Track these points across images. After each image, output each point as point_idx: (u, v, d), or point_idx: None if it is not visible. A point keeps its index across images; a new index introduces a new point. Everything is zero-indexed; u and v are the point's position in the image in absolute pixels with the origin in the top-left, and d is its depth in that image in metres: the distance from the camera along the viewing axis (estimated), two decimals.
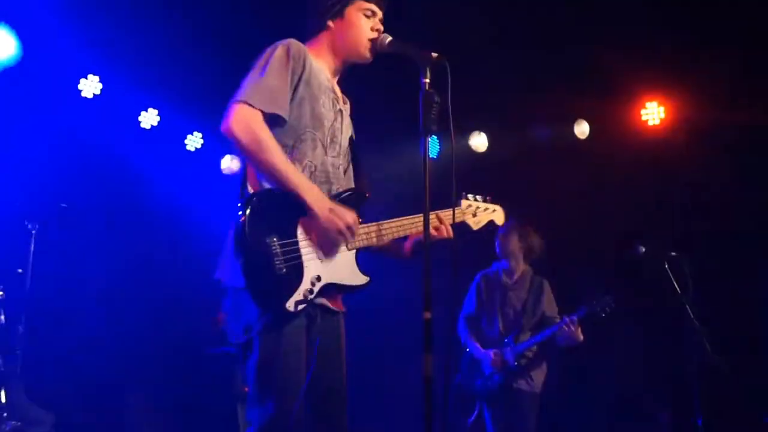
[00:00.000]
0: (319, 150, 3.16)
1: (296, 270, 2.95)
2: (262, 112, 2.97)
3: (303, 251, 2.99)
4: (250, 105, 2.95)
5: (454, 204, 3.29)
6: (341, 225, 3.00)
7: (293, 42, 3.14)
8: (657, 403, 7.22)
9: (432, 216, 3.27)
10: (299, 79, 3.10)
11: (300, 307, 2.92)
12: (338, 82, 3.41)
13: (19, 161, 6.56)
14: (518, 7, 6.68)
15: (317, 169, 3.14)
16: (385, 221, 3.26)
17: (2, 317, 5.58)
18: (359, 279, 3.16)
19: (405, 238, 3.36)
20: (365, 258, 3.21)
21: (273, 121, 3.02)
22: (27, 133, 6.66)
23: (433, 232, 3.25)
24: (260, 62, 3.08)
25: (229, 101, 3.01)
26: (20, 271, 5.81)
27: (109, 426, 7.00)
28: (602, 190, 7.45)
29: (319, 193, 3.02)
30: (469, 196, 3.57)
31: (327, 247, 3.06)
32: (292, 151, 3.09)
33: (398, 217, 3.31)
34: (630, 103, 7.75)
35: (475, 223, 3.57)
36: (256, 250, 2.86)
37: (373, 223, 3.24)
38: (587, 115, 7.89)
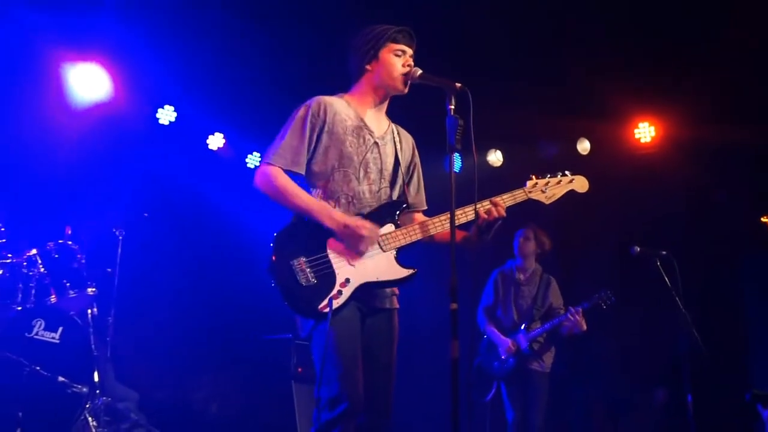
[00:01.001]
0: (353, 182, 3.26)
1: (328, 278, 3.08)
2: (282, 168, 3.19)
3: (333, 261, 3.11)
4: (271, 164, 3.20)
5: (475, 204, 3.25)
6: (359, 231, 3.09)
7: (314, 101, 3.30)
8: (653, 382, 7.15)
9: (486, 202, 3.24)
10: (321, 131, 3.25)
11: (326, 309, 3.01)
12: (384, 112, 3.47)
13: (109, 179, 6.64)
14: (528, 38, 6.65)
15: (354, 198, 3.25)
16: (429, 219, 3.29)
17: (95, 309, 5.61)
18: (400, 273, 3.19)
19: (465, 229, 3.31)
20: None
21: (295, 173, 3.23)
22: (115, 156, 6.74)
23: (484, 215, 3.21)
24: (286, 123, 3.28)
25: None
26: (109, 270, 5.87)
27: (182, 402, 7.04)
28: (602, 200, 7.38)
29: (333, 214, 3.14)
30: (534, 177, 3.42)
31: (358, 253, 3.14)
32: (324, 189, 3.25)
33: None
34: (624, 123, 7.70)
35: (547, 198, 3.41)
36: (282, 273, 3.06)
37: (416, 223, 3.29)
38: (588, 134, 7.84)
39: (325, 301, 3.02)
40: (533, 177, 3.43)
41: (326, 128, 3.25)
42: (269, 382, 6.52)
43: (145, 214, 6.07)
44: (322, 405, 2.99)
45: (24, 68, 6.23)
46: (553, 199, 3.42)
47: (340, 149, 3.25)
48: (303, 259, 3.08)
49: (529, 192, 3.40)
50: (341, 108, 3.32)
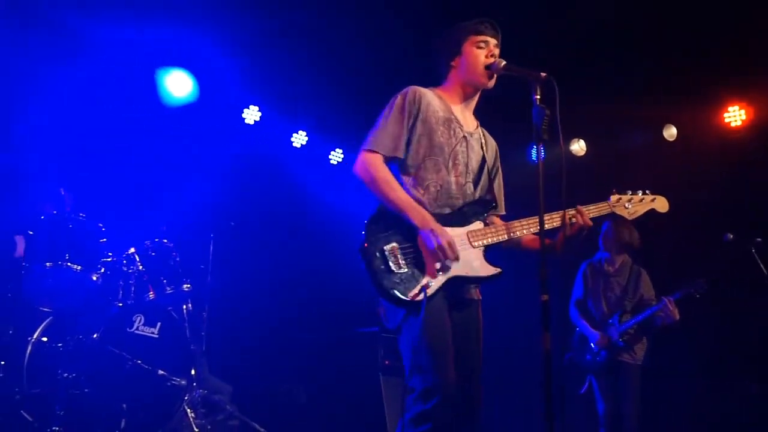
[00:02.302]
0: (443, 172, 3.27)
1: (419, 267, 3.07)
2: (383, 155, 3.21)
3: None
4: (372, 151, 3.22)
5: (564, 201, 3.25)
6: (435, 244, 3.05)
7: (410, 90, 3.32)
8: (747, 375, 6.92)
9: (571, 210, 3.27)
10: (416, 120, 3.27)
11: (420, 296, 3.00)
12: (473, 109, 3.48)
13: (199, 180, 6.82)
14: (609, 22, 6.50)
15: (443, 188, 3.26)
16: (515, 221, 3.28)
17: (190, 306, 5.75)
18: (488, 270, 3.19)
19: (551, 236, 3.30)
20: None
21: (394, 158, 3.25)
22: (204, 155, 6.93)
23: (572, 228, 3.25)
24: (384, 112, 3.30)
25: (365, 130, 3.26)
26: (202, 267, 6.03)
27: (273, 393, 7.18)
28: (691, 187, 7.18)
29: (423, 216, 3.12)
30: (616, 191, 3.49)
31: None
32: (415, 175, 3.26)
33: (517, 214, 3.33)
34: (714, 107, 7.45)
35: (630, 214, 3.48)
36: (374, 258, 3.05)
37: (502, 224, 3.29)
38: (675, 120, 7.62)
39: (417, 289, 3.01)
40: (615, 192, 3.48)
41: (420, 116, 3.27)
42: (357, 374, 6.58)
43: (232, 223, 6.20)
44: (415, 396, 2.99)
45: (122, 76, 6.48)
46: (635, 216, 3.50)
47: (432, 138, 3.27)
48: (395, 245, 3.08)
49: (613, 206, 3.45)
50: (433, 99, 3.34)
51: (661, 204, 3.54)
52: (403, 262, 3.05)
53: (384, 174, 3.18)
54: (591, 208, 3.35)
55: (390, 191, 3.15)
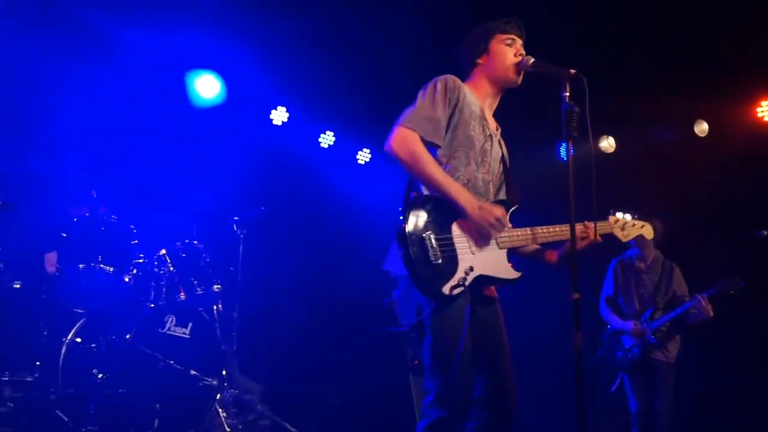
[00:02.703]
0: (472, 166, 3.23)
1: (451, 261, 3.03)
2: (420, 136, 3.10)
3: (457, 245, 3.06)
4: (410, 129, 3.10)
5: (594, 199, 3.23)
6: (491, 218, 3.05)
7: (450, 77, 3.26)
8: None
9: (580, 226, 3.27)
10: (455, 108, 3.20)
11: (455, 291, 2.97)
12: (494, 111, 3.45)
13: (228, 181, 6.85)
14: (638, 16, 6.43)
15: (470, 182, 3.21)
16: (538, 227, 3.27)
17: (220, 306, 5.79)
18: (511, 274, 3.17)
19: (555, 247, 3.36)
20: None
21: (431, 144, 3.15)
22: (233, 156, 6.98)
23: (582, 242, 3.25)
24: (425, 93, 3.20)
25: (393, 125, 3.15)
26: (232, 269, 6.06)
27: (303, 393, 7.20)
28: (723, 183, 7.09)
29: (469, 195, 3.08)
30: (617, 213, 3.56)
31: (479, 244, 3.11)
32: (446, 166, 3.17)
33: (531, 218, 3.32)
34: (746, 102, 7.34)
35: (624, 236, 3.56)
36: (414, 244, 2.97)
37: (527, 228, 3.27)
38: (706, 115, 7.53)
39: (450, 284, 2.97)
40: (613, 213, 3.57)
41: (459, 106, 3.22)
42: (387, 374, 6.58)
43: (263, 207, 6.20)
44: (432, 400, 2.97)
45: (151, 79, 6.55)
46: (627, 238, 3.59)
47: (467, 131, 3.22)
48: (433, 235, 3.02)
49: (611, 227, 3.52)
50: (468, 92, 3.30)
51: (647, 231, 3.66)
52: (440, 253, 3.00)
53: (423, 151, 3.08)
54: (592, 226, 3.34)
55: (431, 169, 3.05)
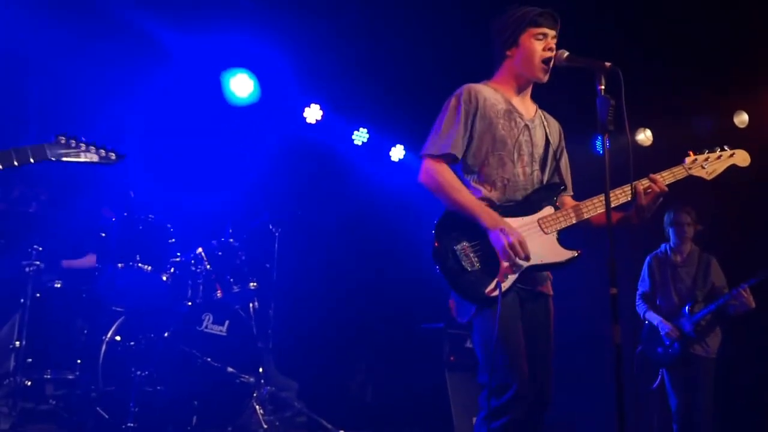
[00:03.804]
0: (509, 165, 3.23)
1: (492, 262, 3.04)
2: (442, 158, 3.19)
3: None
4: (432, 157, 3.21)
5: (631, 184, 3.16)
6: (506, 242, 3.00)
7: (463, 89, 3.29)
8: None
9: (645, 181, 3.20)
10: (474, 117, 3.23)
11: (495, 293, 2.98)
12: (530, 95, 3.42)
13: (263, 179, 6.90)
14: (676, 6, 6.32)
15: (510, 181, 3.22)
16: (583, 202, 3.23)
17: (257, 304, 5.84)
18: (563, 255, 3.14)
19: (624, 209, 3.27)
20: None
21: (456, 157, 3.22)
22: (267, 156, 7.01)
23: (647, 197, 3.17)
24: (440, 116, 3.28)
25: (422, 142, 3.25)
26: (267, 266, 6.09)
27: (339, 390, 7.23)
28: (764, 175, 6.93)
29: (491, 216, 3.08)
30: (692, 153, 3.37)
31: (525, 236, 3.07)
32: (480, 173, 3.23)
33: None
34: None
35: (708, 174, 3.36)
36: (447, 259, 3.05)
37: (571, 205, 3.24)
38: (746, 106, 7.37)
39: (493, 285, 2.99)
40: (691, 153, 3.36)
41: (479, 114, 3.23)
42: (423, 371, 6.58)
43: (299, 212, 6.24)
44: (490, 392, 2.98)
45: (187, 79, 6.61)
46: (713, 175, 3.35)
47: (494, 133, 3.23)
48: (466, 243, 3.06)
49: (689, 168, 3.34)
50: (489, 94, 3.30)
51: (742, 158, 3.41)
52: (476, 259, 3.04)
53: (448, 178, 3.17)
54: (665, 174, 3.27)
55: (456, 195, 3.13)
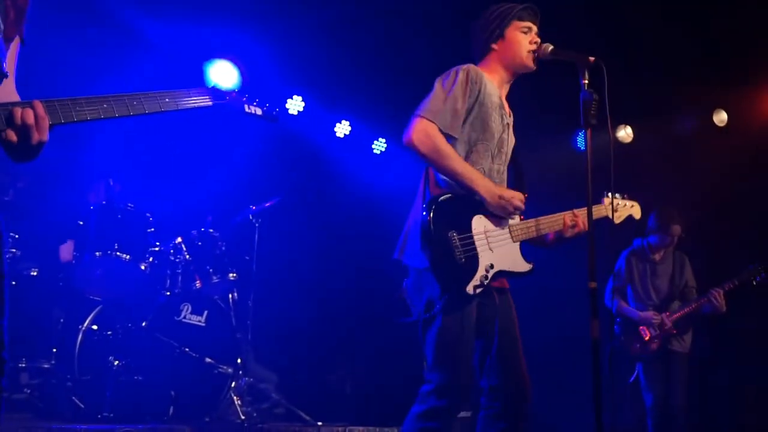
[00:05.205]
0: (489, 159, 3.20)
1: (473, 259, 3.02)
2: (440, 128, 3.06)
3: (477, 243, 3.05)
4: (430, 120, 3.05)
5: (613, 193, 3.24)
6: (510, 207, 3.06)
7: (472, 67, 3.21)
8: None
9: (569, 214, 3.26)
10: (475, 101, 3.15)
11: (477, 290, 2.98)
12: (507, 95, 3.39)
13: (243, 170, 6.85)
14: (657, 3, 6.34)
15: (487, 174, 3.17)
16: (541, 217, 3.26)
17: (236, 295, 5.81)
18: (524, 266, 3.18)
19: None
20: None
21: (448, 136, 3.11)
22: (248, 147, 6.96)
23: (572, 231, 3.26)
24: (446, 83, 3.15)
25: (411, 115, 3.10)
26: (247, 258, 6.05)
27: (318, 382, 7.22)
28: (742, 174, 6.99)
29: (489, 184, 3.08)
30: (609, 194, 3.50)
31: (496, 239, 3.10)
32: (466, 158, 3.15)
33: (547, 208, 3.32)
34: (766, 90, 7.22)
35: (617, 218, 3.55)
36: (439, 243, 2.96)
37: (532, 219, 3.25)
38: (725, 105, 7.42)
39: (472, 285, 2.97)
40: (608, 195, 3.50)
41: (479, 98, 3.16)
42: (402, 363, 6.58)
43: (277, 198, 6.17)
44: (431, 389, 2.97)
45: (167, 68, 6.53)
46: (619, 221, 3.57)
47: (487, 123, 3.18)
48: (455, 233, 3.00)
49: (606, 209, 3.47)
50: (488, 82, 3.24)
51: (636, 211, 3.64)
52: (463, 252, 2.98)
53: (444, 143, 3.04)
54: (581, 214, 3.29)
55: (452, 161, 3.02)
